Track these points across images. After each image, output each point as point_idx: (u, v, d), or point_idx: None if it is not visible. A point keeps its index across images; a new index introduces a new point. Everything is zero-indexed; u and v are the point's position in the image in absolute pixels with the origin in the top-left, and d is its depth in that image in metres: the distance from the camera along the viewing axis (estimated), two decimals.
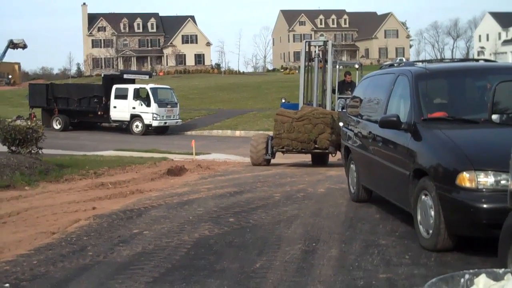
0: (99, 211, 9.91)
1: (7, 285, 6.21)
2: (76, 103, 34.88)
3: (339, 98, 19.54)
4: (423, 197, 7.10)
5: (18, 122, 16.95)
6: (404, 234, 7.81)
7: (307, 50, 18.71)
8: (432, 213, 6.88)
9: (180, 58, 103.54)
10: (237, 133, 33.13)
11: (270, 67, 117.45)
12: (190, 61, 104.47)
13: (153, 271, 6.54)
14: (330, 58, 18.66)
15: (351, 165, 10.27)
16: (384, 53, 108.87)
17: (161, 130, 33.76)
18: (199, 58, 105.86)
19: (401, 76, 8.62)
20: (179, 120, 34.74)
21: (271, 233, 8.17)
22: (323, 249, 7.24)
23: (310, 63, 18.80)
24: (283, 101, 19.94)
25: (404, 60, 9.98)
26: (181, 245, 7.60)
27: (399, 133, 7.91)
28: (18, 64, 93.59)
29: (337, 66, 21.15)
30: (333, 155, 16.18)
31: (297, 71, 78.27)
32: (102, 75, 39.92)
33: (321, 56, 18.60)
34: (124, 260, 7.02)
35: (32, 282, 6.31)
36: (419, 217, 7.24)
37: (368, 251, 7.07)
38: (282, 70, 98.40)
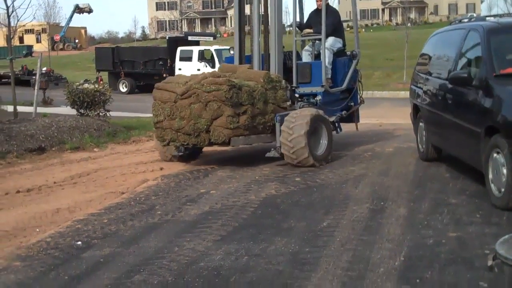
0: (166, 172, 10.03)
1: (79, 242, 6.36)
2: (142, 66, 35.17)
3: (304, 37, 12.16)
4: (495, 155, 6.90)
5: (86, 85, 17.22)
6: (474, 193, 7.63)
7: None
8: (504, 171, 6.68)
9: (244, 19, 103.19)
10: None
11: None
12: None
13: (220, 230, 6.59)
14: None
15: (420, 124, 10.06)
16: (454, 9, 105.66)
17: None
18: (263, 19, 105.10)
19: (472, 31, 8.35)
20: None
21: (338, 192, 8.12)
22: (392, 208, 7.15)
23: None
24: (231, 53, 12.55)
25: (475, 15, 9.31)
26: (248, 204, 7.63)
27: (470, 89, 7.70)
28: (84, 28, 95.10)
29: None
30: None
31: (363, 30, 76.46)
32: (167, 38, 40.11)
33: None
34: (192, 219, 7.10)
35: (103, 240, 6.44)
36: (490, 176, 7.05)
37: (438, 210, 6.95)
38: (347, 28, 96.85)
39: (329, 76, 11.34)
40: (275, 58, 10.89)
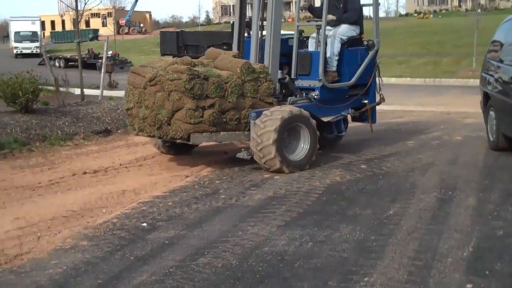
0: (230, 156, 10.02)
1: (144, 224, 6.42)
2: (206, 50, 35.34)
3: (308, 23, 10.81)
4: None
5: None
6: None
7: None
8: None
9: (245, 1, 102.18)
10: None
11: (402, 12, 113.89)
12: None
13: (284, 215, 6.56)
14: None
15: (490, 112, 9.80)
16: None
17: None
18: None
19: None
20: None
21: (405, 180, 7.98)
22: (460, 198, 6.99)
23: None
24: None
25: None
26: (312, 191, 7.57)
27: None
28: (149, 13, 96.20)
29: None
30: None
31: (432, 16, 74.80)
32: (231, 22, 40.14)
33: None
34: (256, 204, 7.08)
35: (167, 222, 6.48)
36: None
37: (508, 200, 6.77)
38: (415, 14, 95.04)
39: (333, 68, 9.76)
40: (270, 45, 9.42)
